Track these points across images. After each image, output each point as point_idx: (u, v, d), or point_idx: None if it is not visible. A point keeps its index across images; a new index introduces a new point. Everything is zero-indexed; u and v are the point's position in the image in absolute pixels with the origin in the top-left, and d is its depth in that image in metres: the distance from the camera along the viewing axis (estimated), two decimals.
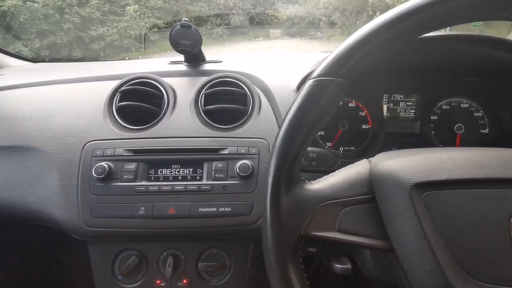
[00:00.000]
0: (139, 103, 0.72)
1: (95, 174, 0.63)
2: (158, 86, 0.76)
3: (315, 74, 0.38)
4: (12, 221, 0.74)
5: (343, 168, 0.40)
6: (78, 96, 0.77)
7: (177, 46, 0.79)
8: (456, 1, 0.33)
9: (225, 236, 0.69)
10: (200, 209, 0.64)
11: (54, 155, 0.67)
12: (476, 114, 0.74)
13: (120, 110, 0.73)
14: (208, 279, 0.70)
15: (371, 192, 0.36)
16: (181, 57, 0.94)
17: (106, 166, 0.64)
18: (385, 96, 0.77)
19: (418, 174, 0.33)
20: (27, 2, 8.23)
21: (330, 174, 0.40)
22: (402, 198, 0.32)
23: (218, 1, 12.19)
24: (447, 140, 0.74)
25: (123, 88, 0.74)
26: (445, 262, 0.30)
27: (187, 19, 0.80)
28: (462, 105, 0.75)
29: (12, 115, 0.74)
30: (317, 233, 0.36)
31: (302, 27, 14.25)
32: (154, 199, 0.64)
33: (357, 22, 13.59)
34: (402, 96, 0.76)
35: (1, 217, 0.71)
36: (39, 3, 8.38)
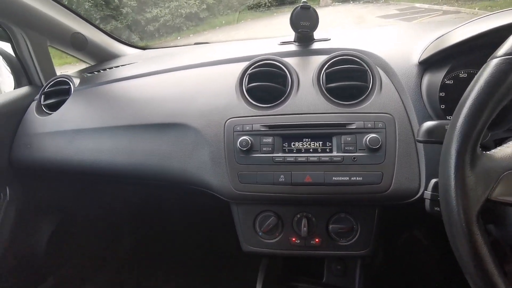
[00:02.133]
0: (266, 83, 0.80)
1: (240, 146, 0.75)
2: (281, 67, 0.83)
3: (500, 53, 0.40)
4: (171, 185, 0.91)
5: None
6: (212, 79, 0.89)
7: (297, 27, 0.85)
8: None
9: (355, 202, 0.76)
10: (333, 178, 0.72)
11: (203, 131, 0.81)
12: None
13: (249, 91, 0.82)
14: (337, 239, 0.80)
15: None
16: (288, 37, 0.99)
17: (248, 139, 0.75)
18: None
19: None
20: None
21: (504, 144, 0.43)
22: None
23: None
24: None
25: (251, 70, 0.83)
26: None
27: (306, 0, 0.83)
28: None
29: (164, 96, 0.89)
30: (504, 198, 0.40)
31: None
32: (292, 168, 0.74)
33: None
34: None
35: (163, 181, 0.89)
36: None
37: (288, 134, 0.77)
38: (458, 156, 0.41)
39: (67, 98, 1.04)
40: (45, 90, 1.09)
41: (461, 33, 0.68)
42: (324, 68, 0.81)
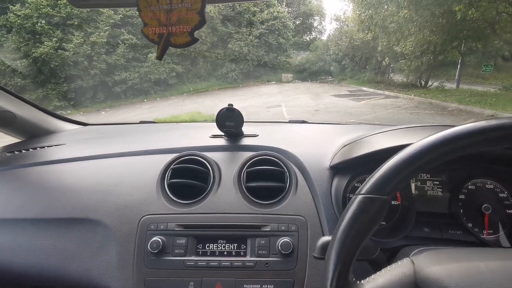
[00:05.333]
0: (189, 180, 0.82)
1: (150, 248, 0.71)
2: (205, 163, 0.86)
3: (363, 190, 0.46)
4: None
5: (388, 268, 0.46)
6: (134, 170, 0.88)
7: (222, 126, 0.92)
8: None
9: None
10: (245, 286, 0.69)
11: (114, 228, 0.76)
12: (501, 195, 0.80)
13: (171, 185, 0.83)
14: None
15: None
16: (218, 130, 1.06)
17: (160, 240, 0.72)
18: None
19: (463, 286, 0.38)
20: (59, 51, 9.08)
21: (378, 273, 0.46)
22: None
23: (233, 48, 13.13)
24: (476, 220, 0.78)
25: (174, 165, 0.85)
26: None
27: (231, 104, 0.93)
28: (487, 186, 0.81)
29: (79, 187, 0.85)
30: None
31: (313, 71, 15.01)
32: (203, 274, 0.70)
33: (367, 67, 14.22)
34: (429, 176, 0.84)
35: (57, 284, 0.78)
36: (70, 51, 9.22)
37: (203, 235, 0.75)
38: (331, 285, 0.43)
39: None
40: None
41: (362, 145, 0.78)
42: (245, 167, 0.86)
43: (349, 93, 11.17)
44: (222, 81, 12.77)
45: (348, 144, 0.86)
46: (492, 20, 8.65)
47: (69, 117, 1.45)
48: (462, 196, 0.81)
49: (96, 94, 9.83)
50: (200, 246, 0.74)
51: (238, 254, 0.73)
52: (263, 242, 0.74)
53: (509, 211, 0.79)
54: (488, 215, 0.77)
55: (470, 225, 0.79)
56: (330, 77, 15.06)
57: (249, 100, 9.17)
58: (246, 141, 1.00)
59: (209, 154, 0.91)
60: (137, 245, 0.73)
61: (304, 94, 10.65)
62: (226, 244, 0.75)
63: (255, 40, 13.46)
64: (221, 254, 0.73)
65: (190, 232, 0.75)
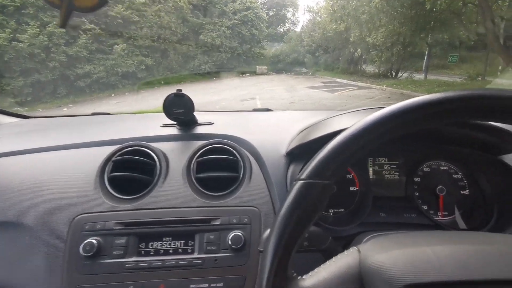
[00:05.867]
0: (131, 173, 0.74)
1: (83, 252, 0.63)
2: (150, 154, 0.79)
3: (303, 175, 0.42)
4: None
5: (333, 259, 0.43)
6: (69, 165, 0.79)
7: (170, 114, 0.85)
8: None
9: None
10: (191, 286, 0.64)
11: (42, 231, 0.67)
12: (455, 176, 0.80)
13: (112, 180, 0.75)
14: None
15: (361, 286, 0.38)
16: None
17: (95, 242, 0.64)
18: (370, 159, 0.83)
19: (408, 274, 0.35)
20: (13, 42, 8.39)
21: (322, 266, 0.43)
22: None
23: (206, 40, 12.83)
24: (431, 202, 0.79)
25: (116, 157, 0.77)
26: None
27: (180, 89, 0.85)
28: (441, 167, 0.81)
29: (5, 186, 0.74)
30: None
31: (288, 63, 15.08)
32: (144, 276, 0.64)
33: (340, 58, 14.51)
34: (386, 160, 0.82)
35: None
36: (25, 42, 8.55)
37: (146, 233, 0.69)
38: (268, 281, 0.39)
39: None
40: None
41: (318, 129, 0.75)
42: (196, 157, 0.80)
43: (323, 84, 11.37)
44: (194, 74, 12.47)
45: (305, 129, 0.83)
46: (458, 11, 9.11)
47: (8, 110, 1.30)
48: (417, 179, 0.80)
49: (56, 89, 9.21)
50: (142, 246, 0.68)
51: (185, 252, 0.68)
52: (213, 237, 0.68)
53: (463, 192, 0.79)
54: (443, 196, 0.78)
55: (425, 207, 0.79)
56: (304, 68, 15.23)
57: (223, 93, 9.04)
58: (200, 130, 0.94)
59: (157, 144, 0.84)
60: (68, 248, 0.65)
61: (279, 86, 10.68)
62: (172, 242, 0.69)
63: (228, 31, 13.25)
64: (166, 252, 0.67)
65: (131, 231, 0.68)
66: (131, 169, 0.76)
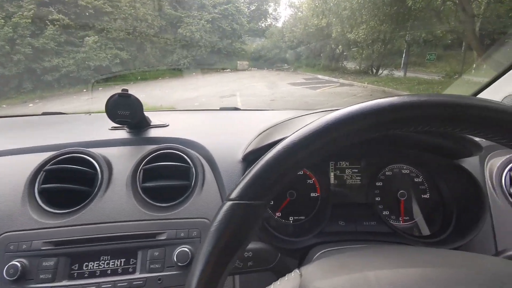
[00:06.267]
0: (66, 184, 0.67)
1: (6, 275, 0.56)
2: (90, 162, 0.72)
3: (232, 196, 0.37)
4: None
5: (272, 286, 0.39)
6: None
7: (114, 116, 0.77)
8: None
9: None
10: None
11: None
12: (416, 180, 0.79)
13: (43, 192, 0.67)
14: None
15: None
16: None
17: (18, 265, 0.57)
18: (331, 163, 0.80)
19: None
20: None
21: None
22: None
23: (185, 34, 12.55)
24: (393, 207, 0.77)
25: (49, 166, 0.69)
26: None
27: (126, 89, 0.78)
28: (403, 171, 0.79)
29: None
30: None
31: (269, 59, 15.06)
32: None
33: (321, 55, 14.65)
34: (348, 163, 0.80)
35: None
36: None
37: (79, 252, 0.62)
38: None
39: None
40: None
41: (277, 132, 0.71)
42: (143, 163, 0.73)
43: (305, 81, 11.43)
44: (173, 69, 12.17)
45: (265, 130, 0.78)
46: (438, 9, 9.39)
47: None
48: (379, 183, 0.78)
49: (21, 83, 8.70)
50: (75, 267, 0.61)
51: (125, 272, 0.62)
52: (157, 253, 0.63)
53: (424, 196, 0.78)
54: (404, 201, 0.76)
55: (387, 212, 0.77)
56: (286, 64, 15.27)
57: (202, 89, 8.84)
58: (152, 133, 0.87)
59: (101, 150, 0.77)
60: None
61: (260, 83, 10.62)
62: (111, 261, 0.62)
63: (208, 25, 13.01)
64: (104, 274, 0.61)
65: (62, 251, 0.61)
66: (68, 180, 0.68)
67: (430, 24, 10.38)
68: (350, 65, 13.86)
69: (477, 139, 0.61)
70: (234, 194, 0.36)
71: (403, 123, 0.36)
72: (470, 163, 0.74)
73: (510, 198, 0.72)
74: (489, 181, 0.75)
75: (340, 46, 13.82)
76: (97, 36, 9.94)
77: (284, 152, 0.36)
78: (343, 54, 14.18)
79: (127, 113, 0.78)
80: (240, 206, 0.36)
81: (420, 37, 11.37)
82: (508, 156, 0.76)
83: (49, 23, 8.96)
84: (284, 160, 0.36)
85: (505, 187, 0.73)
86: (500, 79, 0.93)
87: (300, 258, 0.66)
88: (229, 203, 0.37)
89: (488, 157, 0.79)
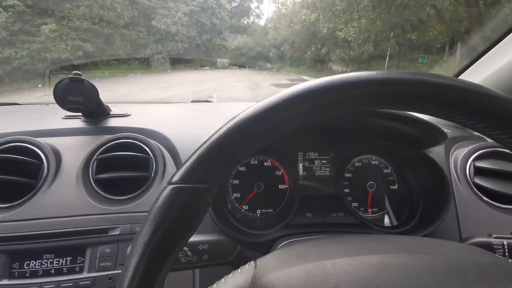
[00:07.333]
0: (7, 176, 0.65)
1: None
2: (35, 151, 0.70)
3: (174, 179, 0.35)
4: None
5: (223, 279, 0.39)
6: None
7: (64, 103, 0.76)
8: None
9: None
10: None
11: None
12: (385, 171, 0.83)
13: None
14: None
15: None
16: None
17: None
18: (300, 154, 0.83)
19: None
20: None
21: (214, 285, 0.39)
22: None
23: (159, 27, 12.43)
24: (361, 199, 0.80)
25: None
26: None
27: (79, 73, 0.78)
28: (372, 162, 0.83)
29: None
30: None
31: (251, 57, 15.18)
32: None
33: (305, 55, 14.97)
34: (317, 154, 0.83)
35: None
36: None
37: (20, 250, 0.60)
38: None
39: None
40: None
41: None
42: (97, 154, 0.72)
43: (289, 82, 11.59)
44: (145, 65, 11.99)
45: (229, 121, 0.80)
46: (440, 6, 9.80)
47: None
48: (348, 175, 0.82)
49: None
50: (16, 266, 0.59)
51: (71, 271, 0.61)
52: (109, 250, 0.62)
53: (392, 187, 0.82)
54: (372, 192, 0.80)
55: (356, 204, 0.80)
56: (269, 64, 15.45)
57: (175, 89, 8.70)
58: (111, 123, 0.86)
59: (50, 140, 0.75)
60: None
61: (240, 83, 10.63)
62: (55, 259, 0.61)
63: (185, 18, 12.96)
64: (47, 273, 0.60)
65: (1, 248, 0.59)
66: (11, 171, 0.67)
67: (424, 25, 10.83)
68: (336, 67, 14.24)
69: (444, 129, 0.66)
70: (176, 177, 0.35)
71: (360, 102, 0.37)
72: (436, 153, 0.80)
73: (474, 188, 0.77)
74: (453, 171, 0.80)
75: (325, 47, 14.18)
76: (55, 24, 9.61)
77: (233, 130, 0.35)
78: (328, 55, 14.57)
79: (80, 99, 0.77)
80: (183, 190, 0.34)
81: (409, 40, 11.87)
82: (472, 146, 0.83)
83: (1, 10, 8.59)
84: (232, 139, 0.35)
85: (469, 176, 0.79)
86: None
87: (265, 252, 0.68)
88: (170, 186, 0.35)
89: (453, 148, 0.86)
